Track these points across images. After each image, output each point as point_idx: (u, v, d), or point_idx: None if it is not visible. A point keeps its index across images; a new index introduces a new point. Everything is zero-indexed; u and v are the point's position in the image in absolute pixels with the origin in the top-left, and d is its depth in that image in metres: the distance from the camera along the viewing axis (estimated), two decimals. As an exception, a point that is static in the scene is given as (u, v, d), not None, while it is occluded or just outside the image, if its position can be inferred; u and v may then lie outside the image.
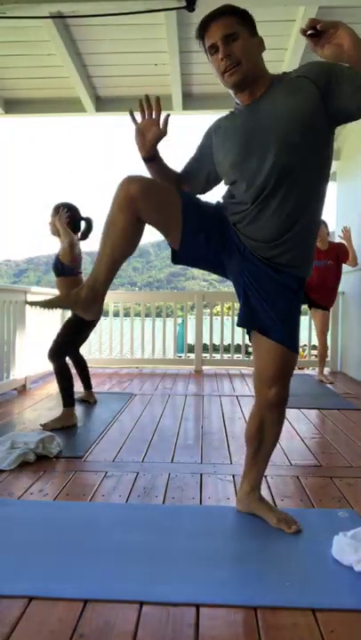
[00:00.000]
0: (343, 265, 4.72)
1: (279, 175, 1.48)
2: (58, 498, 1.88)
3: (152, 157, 1.62)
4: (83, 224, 3.32)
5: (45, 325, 4.67)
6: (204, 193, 1.76)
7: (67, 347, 3.17)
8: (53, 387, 4.25)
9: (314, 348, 6.25)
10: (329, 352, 5.60)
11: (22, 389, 4.12)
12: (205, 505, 1.85)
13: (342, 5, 3.38)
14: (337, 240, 4.83)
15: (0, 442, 2.39)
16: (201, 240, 1.57)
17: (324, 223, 4.68)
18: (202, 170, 1.70)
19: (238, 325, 1.71)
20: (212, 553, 1.48)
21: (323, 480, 2.10)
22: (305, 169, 1.50)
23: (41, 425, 2.83)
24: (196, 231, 1.55)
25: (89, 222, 3.32)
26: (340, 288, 5.63)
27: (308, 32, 1.31)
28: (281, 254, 1.56)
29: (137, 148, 1.62)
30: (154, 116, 1.60)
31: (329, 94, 1.42)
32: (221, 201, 1.67)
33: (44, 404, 3.59)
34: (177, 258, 1.60)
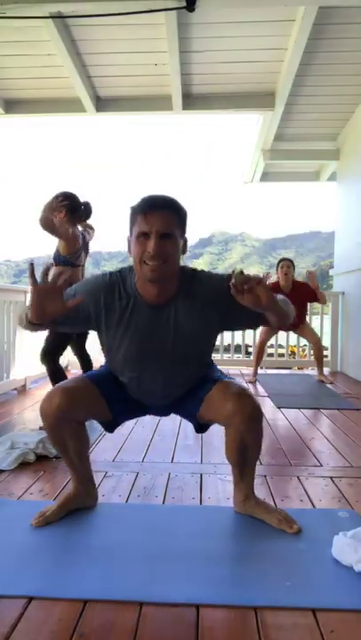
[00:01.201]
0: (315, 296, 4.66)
1: (166, 379, 1.64)
2: (58, 498, 1.88)
3: (41, 324, 1.52)
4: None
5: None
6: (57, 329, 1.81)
7: (58, 348, 3.10)
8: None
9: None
10: (329, 352, 5.61)
11: (22, 389, 4.12)
12: (205, 505, 1.85)
13: (342, 5, 3.38)
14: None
15: (0, 442, 2.39)
16: (127, 411, 1.78)
17: (291, 262, 4.63)
18: (73, 321, 1.61)
19: (200, 430, 1.81)
20: (212, 553, 1.48)
21: (323, 480, 2.10)
22: (190, 370, 1.67)
23: (40, 427, 2.81)
24: (122, 409, 1.74)
25: (87, 206, 3.18)
26: (340, 288, 5.65)
27: (233, 282, 1.42)
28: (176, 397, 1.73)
29: (29, 308, 1.45)
30: (59, 283, 1.43)
31: (230, 318, 1.60)
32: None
33: (44, 404, 3.58)
34: (112, 428, 1.80)
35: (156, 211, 1.46)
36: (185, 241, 1.55)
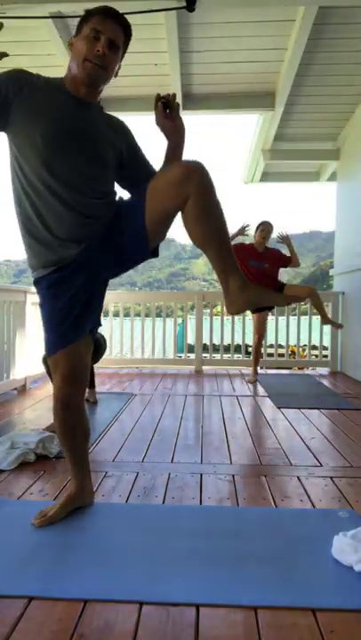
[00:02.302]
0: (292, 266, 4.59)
1: (81, 178, 1.58)
2: (58, 498, 1.88)
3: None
4: None
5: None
6: None
7: None
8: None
9: (314, 348, 6.25)
10: (329, 352, 5.61)
11: (22, 389, 4.12)
12: (205, 505, 1.85)
13: (342, 5, 3.38)
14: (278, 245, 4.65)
15: (0, 442, 2.39)
16: (93, 316, 1.69)
17: (269, 224, 4.45)
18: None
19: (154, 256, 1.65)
20: (212, 553, 1.48)
21: (323, 480, 2.10)
22: (102, 180, 1.65)
23: (44, 429, 2.80)
24: (88, 324, 1.67)
25: None
26: (340, 288, 5.64)
27: (162, 101, 1.55)
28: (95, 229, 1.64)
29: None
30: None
31: (129, 157, 1.71)
32: None
33: (43, 404, 3.59)
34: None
35: (115, 20, 1.56)
36: (120, 66, 1.66)
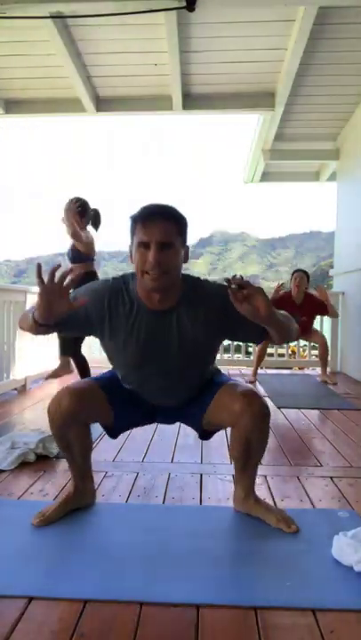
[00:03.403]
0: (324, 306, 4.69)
1: (173, 384, 1.66)
2: (58, 498, 1.88)
3: (46, 325, 1.51)
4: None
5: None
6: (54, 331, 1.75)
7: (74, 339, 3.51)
8: (53, 387, 4.24)
9: (314, 348, 6.24)
10: (329, 352, 5.60)
11: (22, 389, 4.12)
12: (205, 505, 1.85)
13: (342, 5, 3.38)
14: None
15: (0, 442, 2.39)
16: (130, 417, 1.78)
17: (305, 273, 4.66)
18: (73, 326, 1.60)
19: (205, 437, 1.82)
20: (212, 553, 1.48)
21: (323, 480, 2.10)
22: (192, 376, 1.69)
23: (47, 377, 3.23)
24: (125, 414, 1.74)
25: (97, 213, 3.64)
26: (340, 288, 5.65)
27: (233, 286, 1.39)
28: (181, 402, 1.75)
29: (36, 308, 1.45)
30: (65, 283, 1.41)
31: (232, 329, 1.60)
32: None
33: (44, 404, 3.58)
34: (115, 435, 1.81)
35: (156, 221, 1.45)
36: (186, 250, 1.55)
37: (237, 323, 1.50)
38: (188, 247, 1.55)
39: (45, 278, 1.41)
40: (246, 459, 1.67)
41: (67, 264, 3.55)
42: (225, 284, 1.40)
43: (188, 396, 1.73)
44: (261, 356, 4.78)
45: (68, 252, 3.58)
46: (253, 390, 1.65)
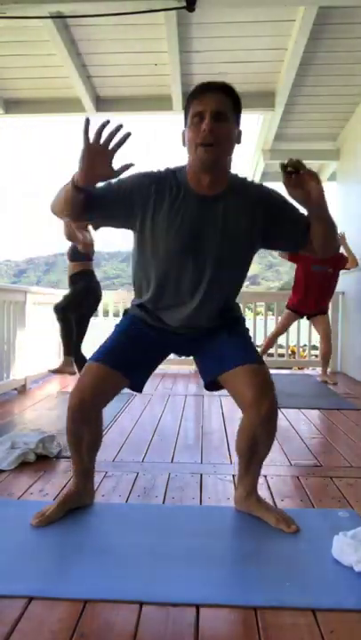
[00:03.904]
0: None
1: (207, 284, 1.58)
2: (58, 498, 1.88)
3: (86, 189, 1.46)
4: None
5: (45, 325, 4.67)
6: (88, 221, 1.72)
7: (72, 307, 3.73)
8: (53, 387, 4.25)
9: (314, 347, 6.24)
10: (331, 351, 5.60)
11: (22, 389, 4.12)
12: (205, 505, 1.85)
13: (342, 5, 3.38)
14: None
15: (0, 442, 2.39)
16: (145, 370, 1.76)
17: None
18: (114, 210, 1.57)
19: (209, 389, 1.76)
20: (212, 553, 1.48)
21: (323, 480, 2.09)
22: (231, 280, 1.66)
23: (50, 370, 3.07)
24: (141, 374, 1.74)
25: None
26: (340, 288, 5.63)
27: (289, 169, 1.37)
28: (207, 325, 1.68)
29: (78, 169, 1.41)
30: (111, 146, 1.38)
31: (275, 229, 1.56)
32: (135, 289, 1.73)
33: (44, 404, 3.59)
34: (137, 389, 1.78)
35: (212, 91, 1.46)
36: (240, 132, 1.54)
37: (281, 220, 1.49)
38: (240, 130, 1.54)
39: (92, 136, 1.37)
40: (251, 455, 1.67)
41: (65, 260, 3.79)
42: (281, 169, 1.38)
43: (211, 322, 1.67)
44: (271, 343, 4.87)
45: (68, 250, 3.67)
46: (269, 384, 1.61)
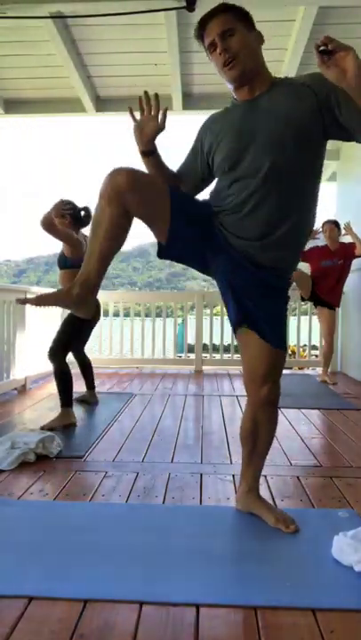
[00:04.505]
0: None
1: (271, 175, 1.50)
2: (58, 498, 1.88)
3: (150, 152, 1.62)
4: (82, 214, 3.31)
5: (45, 325, 4.67)
6: (200, 191, 1.74)
7: (67, 346, 3.15)
8: (53, 387, 4.23)
9: (314, 348, 6.24)
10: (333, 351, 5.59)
11: (22, 389, 4.12)
12: (205, 505, 1.85)
13: (342, 5, 3.38)
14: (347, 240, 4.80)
15: (0, 442, 2.39)
16: (188, 236, 1.58)
17: (336, 224, 4.70)
18: (198, 168, 1.68)
19: (234, 325, 1.67)
20: (212, 553, 1.48)
21: (323, 480, 2.10)
22: (296, 172, 1.53)
23: (41, 427, 2.78)
24: (183, 227, 1.55)
25: (87, 211, 3.30)
26: (340, 288, 5.64)
27: (321, 48, 1.31)
28: (268, 254, 1.57)
29: (135, 142, 1.62)
30: (152, 113, 1.60)
31: (328, 109, 1.46)
32: (209, 197, 1.67)
33: (44, 404, 3.59)
34: (163, 253, 1.58)
35: (210, 19, 1.53)
36: (258, 33, 1.58)
37: (335, 100, 1.43)
38: (259, 32, 1.59)
39: (138, 115, 1.63)
40: (253, 440, 1.70)
41: None
42: (315, 49, 1.32)
43: (265, 240, 1.54)
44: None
45: (58, 258, 3.25)
46: (279, 371, 1.70)
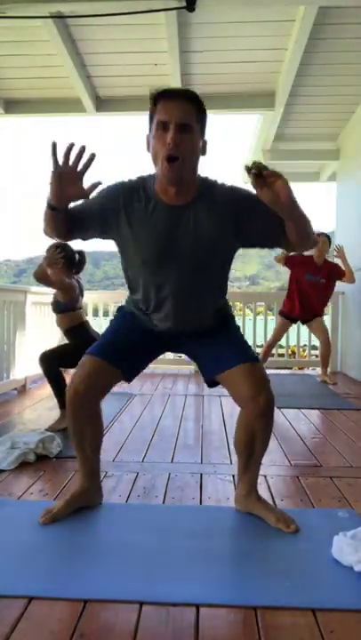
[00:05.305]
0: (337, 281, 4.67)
1: (186, 286, 1.60)
2: (58, 498, 1.88)
3: (61, 209, 1.52)
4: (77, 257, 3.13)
5: (45, 325, 4.67)
6: (77, 239, 1.78)
7: (60, 362, 3.05)
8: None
9: (314, 348, 6.24)
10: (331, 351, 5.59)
11: (22, 389, 4.12)
12: (205, 505, 1.85)
13: (342, 5, 3.38)
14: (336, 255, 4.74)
15: (0, 442, 2.39)
16: (136, 360, 1.78)
17: (328, 237, 4.59)
18: (90, 225, 1.64)
19: (210, 386, 1.77)
20: (212, 553, 1.48)
21: (323, 480, 2.09)
22: (211, 283, 1.66)
23: (46, 429, 2.75)
24: (129, 363, 1.74)
25: (82, 255, 3.16)
26: (340, 288, 5.63)
27: (253, 171, 1.37)
28: (191, 328, 1.70)
29: (50, 189, 1.47)
30: (79, 168, 1.45)
31: (247, 229, 1.55)
32: (124, 277, 1.73)
33: (44, 404, 3.59)
34: (130, 379, 1.80)
35: (177, 99, 1.44)
36: (205, 142, 1.54)
37: (254, 219, 1.48)
38: (206, 141, 1.54)
39: (60, 159, 1.43)
40: (249, 450, 1.68)
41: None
42: (247, 167, 1.38)
43: (202, 324, 1.69)
44: (269, 351, 4.79)
45: (52, 304, 3.16)
46: (265, 381, 1.63)
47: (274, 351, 5.75)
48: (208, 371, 1.74)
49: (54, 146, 1.43)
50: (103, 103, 4.76)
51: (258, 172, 1.36)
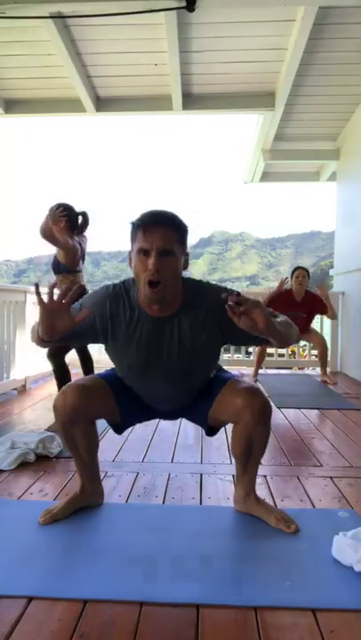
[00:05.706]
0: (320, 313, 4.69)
1: (174, 389, 1.67)
2: (58, 498, 1.88)
3: (52, 341, 1.55)
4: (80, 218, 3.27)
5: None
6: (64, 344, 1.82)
7: (67, 349, 3.15)
8: (53, 387, 4.24)
9: (314, 348, 6.24)
10: (329, 352, 5.60)
11: (22, 389, 4.12)
12: (205, 505, 1.85)
13: (342, 5, 3.38)
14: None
15: (0, 442, 2.39)
16: (134, 407, 1.76)
17: (306, 271, 4.62)
18: (80, 337, 1.66)
19: (210, 434, 1.81)
20: (212, 553, 1.48)
21: (323, 480, 2.10)
22: (197, 379, 1.70)
23: (46, 429, 2.75)
24: (127, 404, 1.74)
25: (85, 216, 3.26)
26: (340, 288, 5.65)
27: (230, 303, 1.39)
28: (181, 404, 1.76)
29: (40, 324, 1.49)
30: (65, 300, 1.47)
31: (230, 333, 1.55)
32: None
33: (44, 404, 3.59)
34: (120, 430, 1.81)
35: (157, 228, 1.45)
36: (187, 257, 1.56)
37: (237, 328, 1.49)
38: (188, 254, 1.56)
39: (45, 298, 1.45)
40: (248, 456, 1.67)
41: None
42: (223, 296, 1.41)
43: (192, 399, 1.75)
44: (262, 356, 4.78)
45: (52, 263, 3.22)
46: (256, 387, 1.66)
47: (273, 351, 5.76)
48: (200, 414, 1.75)
49: (36, 286, 1.48)
50: (103, 103, 4.75)
51: (235, 303, 1.39)
